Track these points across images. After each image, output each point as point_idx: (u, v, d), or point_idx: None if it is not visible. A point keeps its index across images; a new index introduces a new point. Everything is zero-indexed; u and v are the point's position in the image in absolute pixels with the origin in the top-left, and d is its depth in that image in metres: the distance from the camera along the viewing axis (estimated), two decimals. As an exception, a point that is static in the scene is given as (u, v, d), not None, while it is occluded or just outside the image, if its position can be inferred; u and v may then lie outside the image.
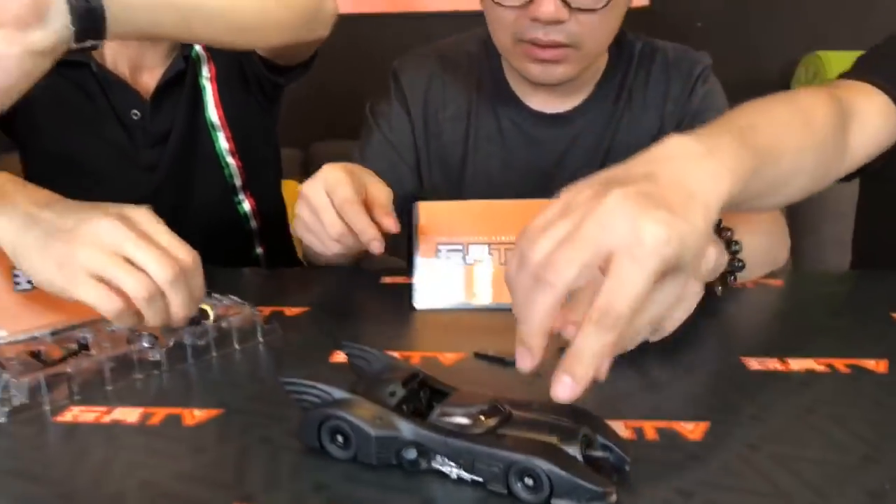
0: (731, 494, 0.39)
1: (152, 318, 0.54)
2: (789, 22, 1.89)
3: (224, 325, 0.60)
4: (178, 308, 0.54)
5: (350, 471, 0.41)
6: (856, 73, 0.77)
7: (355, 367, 0.49)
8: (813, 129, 0.57)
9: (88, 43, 0.53)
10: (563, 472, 0.36)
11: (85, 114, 0.94)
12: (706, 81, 0.92)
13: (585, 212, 0.39)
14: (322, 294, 0.79)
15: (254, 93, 1.03)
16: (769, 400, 0.50)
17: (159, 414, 0.50)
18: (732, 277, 0.70)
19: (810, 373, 0.55)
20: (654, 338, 0.54)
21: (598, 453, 0.39)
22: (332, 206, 0.67)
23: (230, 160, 1.02)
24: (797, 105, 0.59)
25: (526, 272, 0.39)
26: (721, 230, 0.68)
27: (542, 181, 0.93)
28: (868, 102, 0.71)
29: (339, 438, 0.42)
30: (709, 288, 0.68)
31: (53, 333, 0.59)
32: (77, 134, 0.95)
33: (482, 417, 0.40)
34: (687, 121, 0.91)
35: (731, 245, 0.68)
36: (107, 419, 0.49)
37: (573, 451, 0.38)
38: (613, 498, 0.37)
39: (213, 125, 1.00)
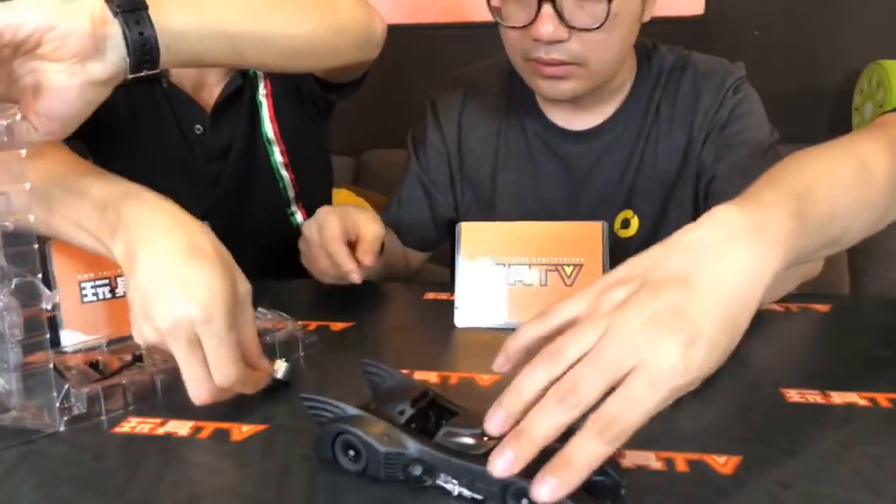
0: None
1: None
2: (851, 30, 1.84)
3: (268, 339, 0.63)
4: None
5: (385, 494, 0.43)
6: None
7: (371, 383, 0.51)
8: (871, 187, 0.54)
9: (143, 73, 0.57)
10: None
11: (154, 128, 0.99)
12: (738, 91, 0.91)
13: (611, 324, 0.39)
14: (367, 309, 0.81)
15: (307, 108, 1.07)
16: (806, 435, 0.50)
17: (208, 428, 0.52)
18: None
19: (852, 407, 0.54)
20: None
21: (594, 477, 0.39)
22: (319, 242, 0.79)
23: (284, 173, 1.05)
24: (857, 159, 0.55)
25: (546, 374, 0.39)
26: None
27: (571, 197, 0.94)
28: None
29: (351, 452, 0.44)
30: None
31: (109, 344, 0.63)
32: (145, 148, 1.00)
33: (485, 438, 0.41)
34: (717, 130, 0.90)
35: None
36: (160, 431, 0.52)
37: None
38: None
39: (268, 140, 1.03)
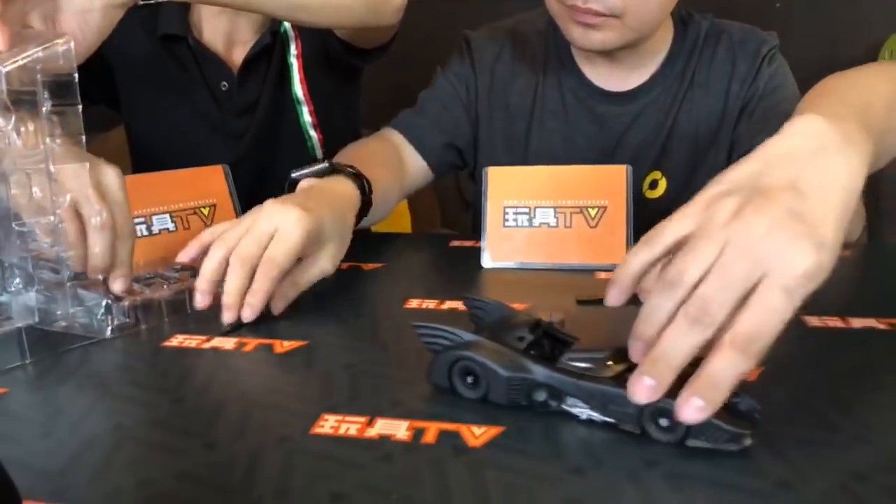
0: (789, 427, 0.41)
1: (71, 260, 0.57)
2: (872, 1, 1.83)
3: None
4: (95, 255, 0.57)
5: (426, 393, 0.46)
6: None
7: (474, 317, 0.50)
8: None
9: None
10: None
11: (180, 84, 1.02)
12: (773, 61, 0.92)
13: (731, 236, 0.37)
14: (395, 253, 0.84)
15: (335, 72, 1.09)
16: (827, 354, 0.52)
17: (252, 343, 0.55)
18: None
19: (871, 330, 0.56)
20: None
21: (730, 399, 0.38)
22: (255, 250, 0.60)
23: (313, 133, 1.08)
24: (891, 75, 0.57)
25: (672, 300, 0.38)
26: None
27: (603, 157, 0.95)
28: None
29: (470, 379, 0.43)
30: None
31: (143, 279, 0.66)
32: (173, 104, 1.03)
33: (610, 363, 0.41)
34: (754, 102, 0.91)
35: None
36: (206, 346, 0.55)
37: None
38: (748, 441, 0.37)
39: (298, 99, 1.06)
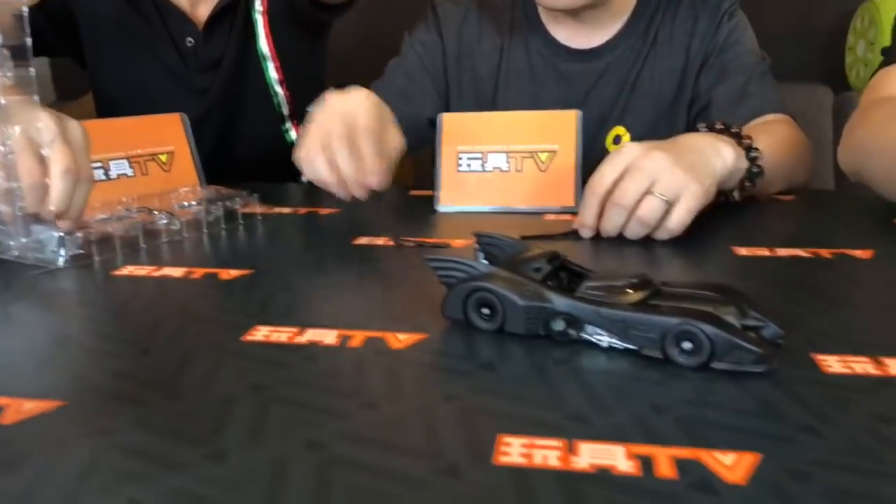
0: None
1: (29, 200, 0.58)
2: (845, -32, 1.85)
3: (229, 203, 0.71)
4: (55, 199, 0.58)
5: (363, 310, 0.48)
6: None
7: (488, 254, 0.50)
8: None
9: None
10: (724, 334, 0.36)
11: (145, 40, 1.03)
12: (732, 17, 0.94)
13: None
14: (354, 201, 0.85)
15: (302, 27, 1.10)
16: (757, 280, 0.54)
17: (199, 272, 0.57)
18: (750, 183, 0.73)
19: (796, 258, 0.58)
20: (662, 236, 0.59)
21: (753, 323, 0.39)
22: (344, 129, 0.67)
23: (279, 89, 1.09)
24: None
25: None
26: (741, 138, 0.71)
27: None
28: None
29: (486, 310, 0.42)
30: (727, 193, 0.72)
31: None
32: (138, 59, 1.04)
33: (632, 291, 0.40)
34: (713, 56, 0.93)
35: (749, 151, 0.72)
36: (156, 274, 0.57)
37: (730, 318, 0.38)
38: (774, 363, 0.37)
39: (263, 56, 1.07)
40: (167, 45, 1.03)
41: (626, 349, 0.40)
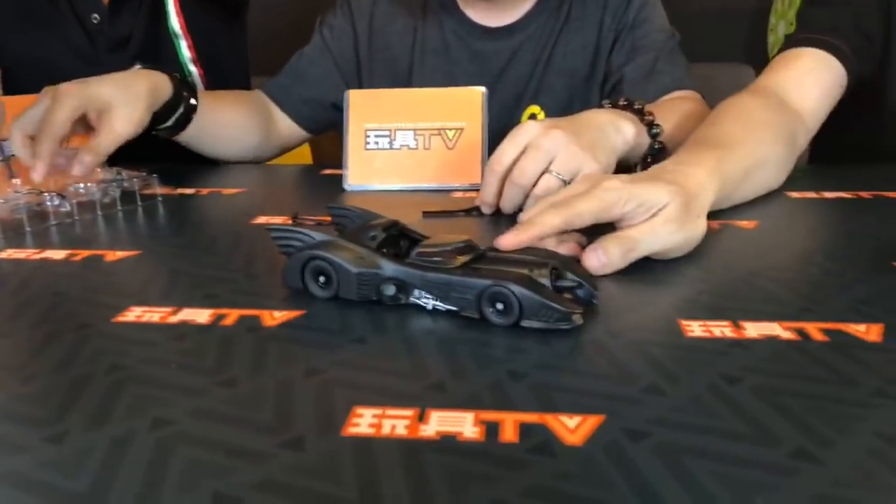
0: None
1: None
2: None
3: (127, 185, 0.69)
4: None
5: (245, 289, 0.47)
6: (796, 39, 0.81)
7: (338, 225, 0.51)
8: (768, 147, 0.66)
9: None
10: (531, 294, 0.38)
11: (48, 18, 0.99)
12: None
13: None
14: (262, 180, 0.84)
15: (215, 4, 1.07)
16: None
17: (83, 254, 0.55)
18: (651, 159, 0.74)
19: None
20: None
21: (568, 284, 0.41)
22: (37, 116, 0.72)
23: (192, 68, 1.06)
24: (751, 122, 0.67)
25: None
26: (643, 114, 0.72)
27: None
28: (805, 89, 0.76)
29: (322, 279, 0.44)
30: (630, 168, 0.73)
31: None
32: (43, 39, 1.00)
33: (457, 256, 0.42)
34: (625, 33, 0.94)
35: (651, 128, 0.73)
36: (36, 257, 0.55)
37: (543, 280, 0.40)
38: (579, 319, 0.39)
39: (175, 33, 1.04)
40: (72, 23, 1.00)
41: (448, 310, 0.41)
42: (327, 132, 1.06)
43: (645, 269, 0.48)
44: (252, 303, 0.44)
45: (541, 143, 0.60)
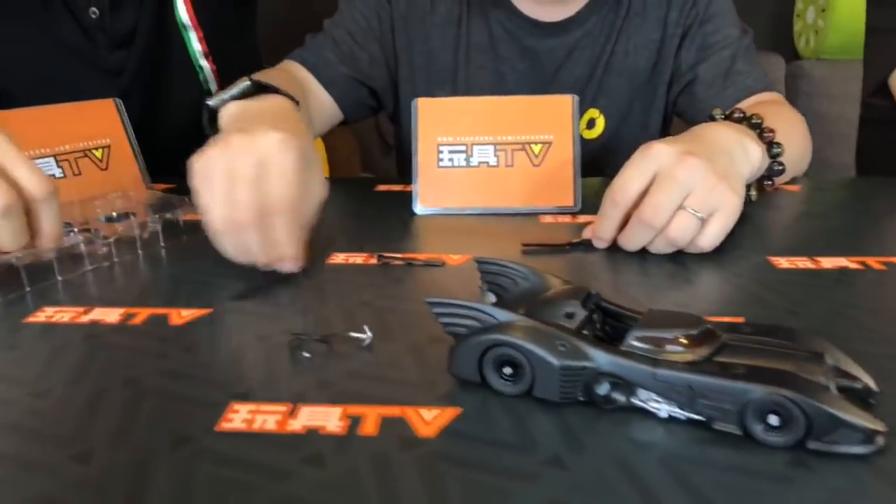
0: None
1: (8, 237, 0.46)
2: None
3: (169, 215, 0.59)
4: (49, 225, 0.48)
5: (360, 369, 0.37)
6: None
7: (494, 285, 0.41)
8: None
9: None
10: (824, 407, 0.29)
11: (39, 17, 0.86)
12: None
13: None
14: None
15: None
16: (802, 296, 0.47)
17: (142, 314, 0.45)
18: (770, 182, 0.66)
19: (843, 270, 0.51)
20: (689, 250, 0.52)
21: (845, 383, 0.32)
22: None
23: (204, 63, 0.95)
24: None
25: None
26: (763, 130, 0.64)
27: (537, 94, 0.87)
28: None
29: (507, 370, 0.34)
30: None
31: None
32: (31, 38, 0.87)
33: (699, 344, 0.32)
34: (694, 28, 0.86)
35: (772, 147, 0.64)
36: (83, 319, 0.45)
37: (824, 381, 0.30)
38: (882, 441, 0.29)
39: (183, 25, 0.92)
40: (66, 19, 0.86)
41: (689, 419, 0.32)
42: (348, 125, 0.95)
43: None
44: (391, 395, 0.35)
45: (675, 173, 0.50)
